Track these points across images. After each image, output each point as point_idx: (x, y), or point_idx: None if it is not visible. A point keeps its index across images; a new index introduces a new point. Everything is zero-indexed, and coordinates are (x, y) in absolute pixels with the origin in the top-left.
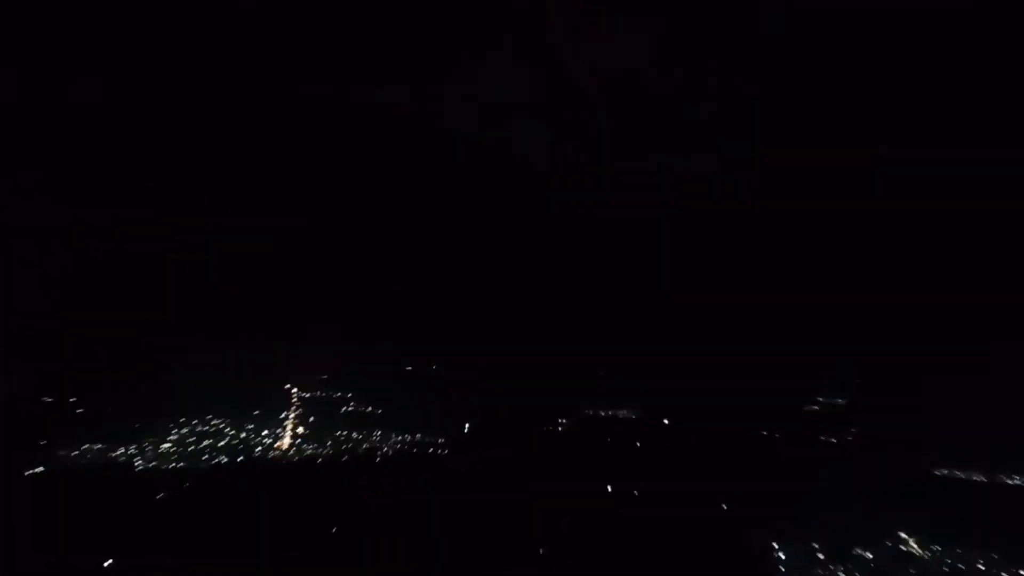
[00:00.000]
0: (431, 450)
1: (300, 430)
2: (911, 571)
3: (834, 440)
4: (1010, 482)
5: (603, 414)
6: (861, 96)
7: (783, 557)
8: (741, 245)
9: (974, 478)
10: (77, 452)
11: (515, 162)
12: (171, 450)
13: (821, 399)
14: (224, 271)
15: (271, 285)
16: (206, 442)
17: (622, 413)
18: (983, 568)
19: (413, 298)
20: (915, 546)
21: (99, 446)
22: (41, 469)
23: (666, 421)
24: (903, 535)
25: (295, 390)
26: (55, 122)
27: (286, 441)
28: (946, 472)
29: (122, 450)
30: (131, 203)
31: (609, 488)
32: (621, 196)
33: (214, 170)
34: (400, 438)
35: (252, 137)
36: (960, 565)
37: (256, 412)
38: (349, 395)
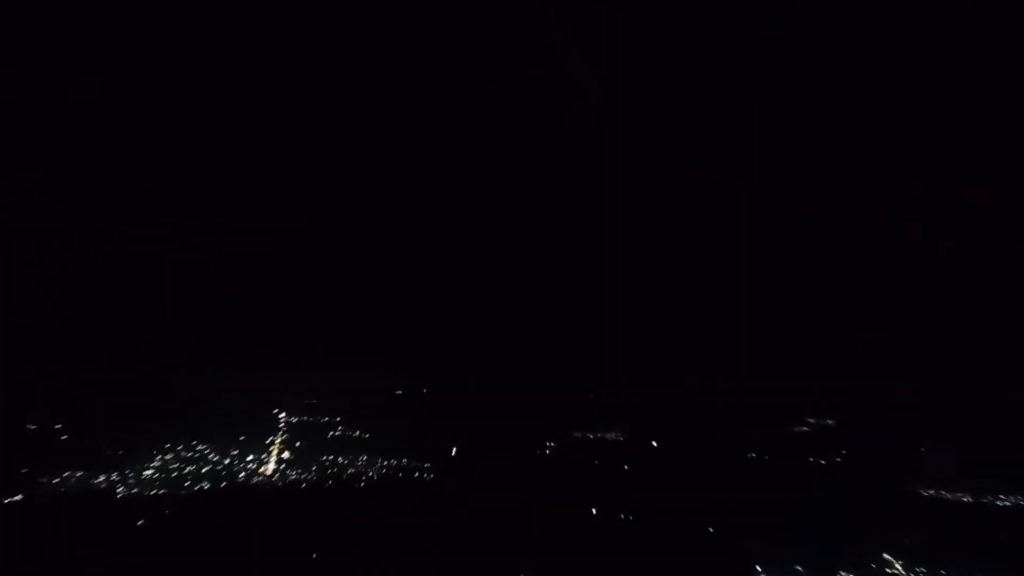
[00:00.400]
0: (416, 474)
1: (286, 455)
2: None
3: (823, 462)
4: (999, 503)
5: (591, 436)
6: (861, 98)
7: None
8: (737, 258)
9: (962, 499)
10: (58, 479)
11: (514, 166)
12: (154, 476)
13: (812, 420)
14: (224, 272)
15: (265, 304)
16: (189, 468)
17: (611, 436)
18: None
19: (406, 318)
20: (900, 568)
21: (80, 473)
22: (20, 497)
23: (655, 443)
24: (888, 557)
25: (283, 415)
26: (55, 122)
27: (270, 466)
28: (933, 493)
29: (103, 476)
30: (131, 203)
31: (594, 511)
32: (620, 203)
33: (214, 170)
34: (386, 462)
35: (252, 137)
36: None
37: (242, 438)
38: (337, 419)
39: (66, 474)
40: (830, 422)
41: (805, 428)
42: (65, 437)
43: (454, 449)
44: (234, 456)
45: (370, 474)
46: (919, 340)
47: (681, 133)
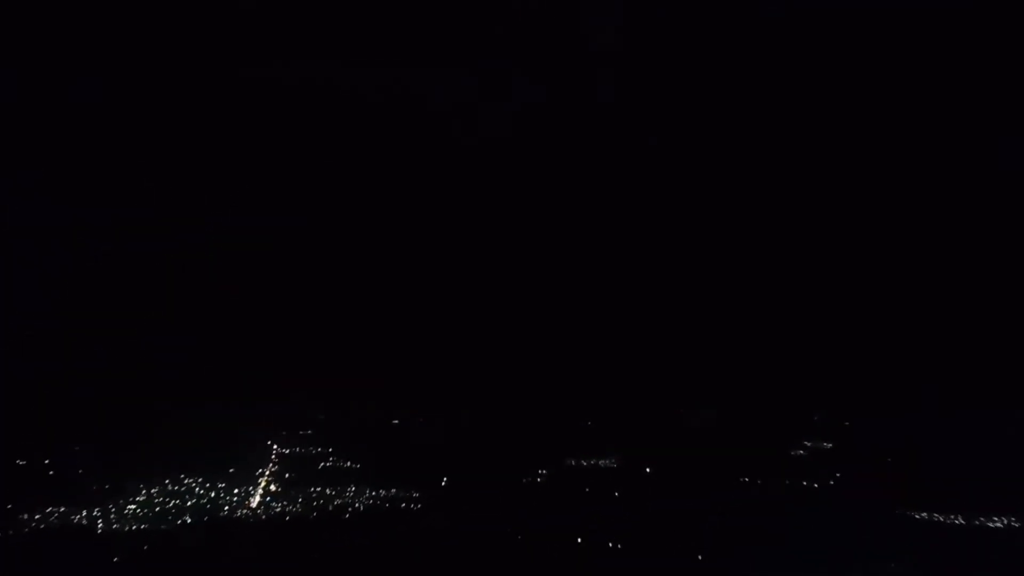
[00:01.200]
0: (404, 504)
1: (273, 488)
2: None
3: (815, 485)
4: (990, 525)
5: (585, 464)
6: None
7: None
8: (734, 275)
9: (954, 521)
10: (39, 516)
11: (513, 171)
12: (136, 512)
13: (808, 443)
14: (224, 271)
15: (263, 331)
16: (173, 502)
17: (604, 462)
18: None
19: (405, 345)
20: None
21: (62, 509)
22: None
23: (648, 470)
24: None
25: (275, 446)
26: (55, 122)
27: (256, 500)
28: (925, 516)
29: (85, 512)
30: (131, 203)
31: (579, 540)
32: (614, 225)
33: (214, 170)
34: (374, 493)
35: (251, 137)
36: None
37: (231, 470)
38: (330, 449)
39: (48, 510)
40: (827, 445)
41: (801, 451)
42: (52, 473)
43: (444, 479)
44: (220, 489)
45: (357, 505)
46: (919, 358)
47: (682, 133)
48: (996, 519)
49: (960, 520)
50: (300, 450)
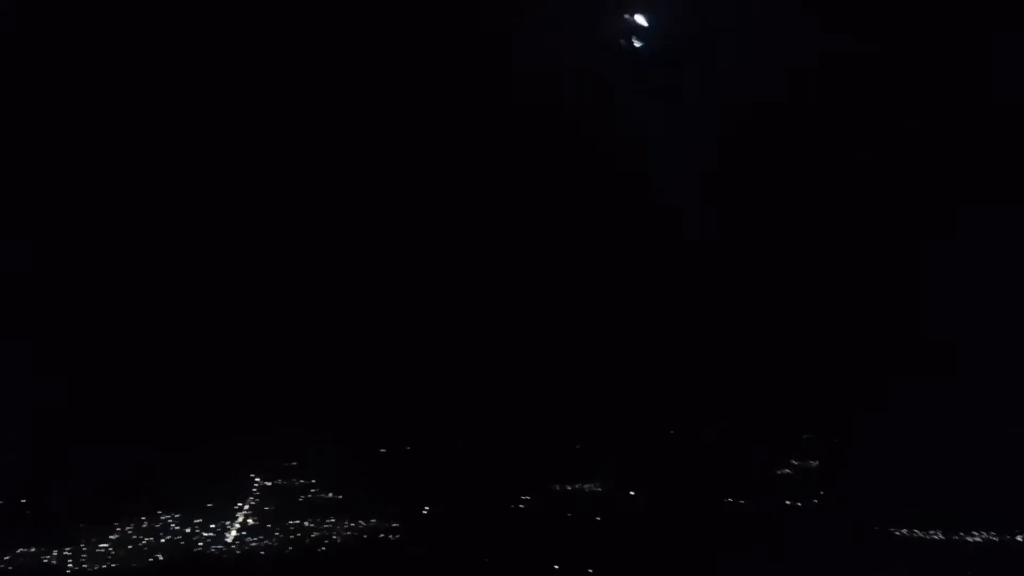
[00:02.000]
0: (383, 535)
1: (250, 521)
2: None
3: (799, 504)
4: (969, 539)
5: (569, 488)
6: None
7: None
8: (719, 292)
9: (934, 536)
10: (9, 556)
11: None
12: (108, 551)
13: (795, 462)
14: (224, 272)
15: (249, 359)
16: (147, 540)
17: (588, 487)
18: None
19: (395, 371)
20: None
21: (32, 549)
22: None
23: (632, 492)
24: None
25: (257, 479)
26: (54, 122)
27: (231, 534)
28: (906, 532)
29: (56, 552)
30: (131, 203)
31: (556, 567)
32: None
33: (214, 170)
34: (353, 524)
35: (251, 138)
36: None
37: (209, 505)
38: (312, 481)
39: (19, 551)
40: (814, 463)
41: (788, 470)
42: (28, 512)
43: (426, 508)
44: (196, 525)
45: (334, 537)
46: (915, 374)
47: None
48: (975, 534)
49: (939, 535)
50: (282, 482)
